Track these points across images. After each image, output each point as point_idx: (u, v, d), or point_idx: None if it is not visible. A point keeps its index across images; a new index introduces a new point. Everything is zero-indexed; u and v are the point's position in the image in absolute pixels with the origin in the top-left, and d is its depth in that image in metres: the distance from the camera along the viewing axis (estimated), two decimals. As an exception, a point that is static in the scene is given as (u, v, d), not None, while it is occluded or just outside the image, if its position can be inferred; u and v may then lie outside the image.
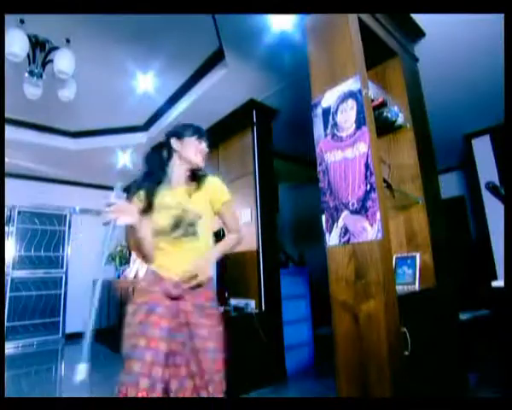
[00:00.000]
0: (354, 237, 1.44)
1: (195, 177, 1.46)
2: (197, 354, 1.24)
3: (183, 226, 1.34)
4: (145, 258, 1.37)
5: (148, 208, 1.34)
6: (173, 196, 1.39)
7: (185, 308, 1.28)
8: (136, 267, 4.85)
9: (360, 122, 1.48)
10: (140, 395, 1.12)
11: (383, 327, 1.29)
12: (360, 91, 1.50)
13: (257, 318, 2.91)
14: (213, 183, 1.47)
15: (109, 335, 4.86)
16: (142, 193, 1.38)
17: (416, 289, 1.73)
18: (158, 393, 1.15)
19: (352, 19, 1.61)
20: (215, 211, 1.45)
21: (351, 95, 1.53)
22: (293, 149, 4.61)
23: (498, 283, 1.95)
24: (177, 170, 1.45)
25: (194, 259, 1.33)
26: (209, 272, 1.38)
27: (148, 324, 1.22)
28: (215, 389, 1.24)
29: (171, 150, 1.46)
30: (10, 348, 4.74)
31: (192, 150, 1.43)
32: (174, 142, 1.44)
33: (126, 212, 1.23)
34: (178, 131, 1.47)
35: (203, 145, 1.47)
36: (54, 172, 5.26)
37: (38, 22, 2.41)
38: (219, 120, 3.67)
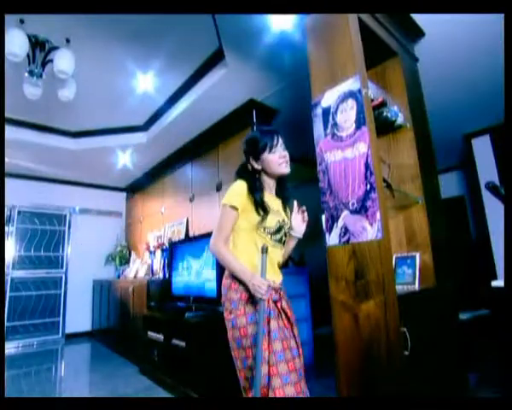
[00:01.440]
0: (354, 236, 1.44)
1: (282, 190, 1.57)
2: (297, 342, 1.39)
3: (281, 232, 1.46)
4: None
5: (261, 212, 1.41)
6: (273, 202, 1.49)
7: (283, 306, 1.42)
8: (136, 267, 4.85)
9: (360, 122, 1.48)
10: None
11: (383, 327, 1.30)
12: (360, 91, 1.50)
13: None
14: (288, 211, 1.56)
15: (109, 335, 4.86)
16: (253, 198, 1.42)
17: (416, 289, 1.73)
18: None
19: (352, 19, 1.61)
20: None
21: (351, 95, 1.53)
22: (293, 149, 4.59)
23: (498, 283, 1.95)
24: (268, 182, 1.52)
25: (279, 263, 1.49)
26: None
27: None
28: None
29: (255, 168, 1.50)
30: (10, 348, 4.74)
31: (274, 165, 1.47)
32: (254, 163, 1.49)
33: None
34: (254, 152, 1.49)
35: (280, 152, 1.48)
36: (54, 172, 5.26)
37: (38, 22, 2.41)
38: (219, 120, 3.67)
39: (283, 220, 1.47)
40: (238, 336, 1.32)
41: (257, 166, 1.48)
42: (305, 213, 1.53)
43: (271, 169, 1.47)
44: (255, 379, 1.21)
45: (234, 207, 1.39)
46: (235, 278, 1.37)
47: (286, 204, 1.55)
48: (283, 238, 1.48)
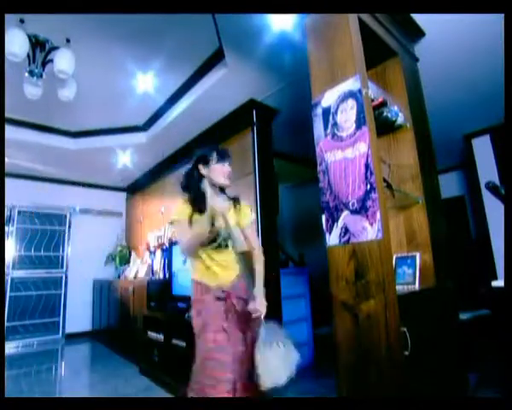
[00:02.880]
0: (354, 236, 1.44)
1: (227, 196, 1.75)
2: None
3: (218, 240, 1.60)
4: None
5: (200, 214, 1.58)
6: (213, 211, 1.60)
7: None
8: (136, 267, 4.85)
9: (360, 122, 1.48)
10: None
11: (383, 327, 1.30)
12: (360, 91, 1.50)
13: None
14: (245, 210, 1.74)
15: (109, 335, 4.86)
16: (194, 205, 1.63)
17: (416, 289, 1.73)
18: None
19: (352, 19, 1.61)
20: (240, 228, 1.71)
21: (351, 94, 1.53)
22: (293, 149, 4.60)
23: (498, 283, 1.95)
24: (209, 189, 1.68)
25: (228, 269, 1.62)
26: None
27: None
28: None
29: (200, 174, 1.68)
30: (10, 348, 4.74)
31: (219, 175, 1.67)
32: (202, 168, 1.67)
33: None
34: (204, 159, 1.68)
35: (227, 167, 1.68)
36: (54, 172, 5.26)
37: (38, 22, 2.41)
38: (219, 120, 3.67)
39: (219, 226, 1.58)
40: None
41: (204, 171, 1.67)
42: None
43: (216, 178, 1.66)
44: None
45: (185, 220, 1.63)
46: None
47: (236, 203, 1.72)
48: (223, 243, 1.61)
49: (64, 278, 5.45)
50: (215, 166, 1.66)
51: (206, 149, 1.72)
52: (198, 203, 1.61)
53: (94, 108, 3.72)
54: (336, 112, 1.58)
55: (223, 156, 1.69)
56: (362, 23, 1.71)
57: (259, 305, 1.56)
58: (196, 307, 1.61)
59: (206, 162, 1.67)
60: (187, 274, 3.08)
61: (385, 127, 1.95)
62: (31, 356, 4.40)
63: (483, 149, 4.11)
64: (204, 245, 1.58)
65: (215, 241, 1.61)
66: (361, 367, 1.36)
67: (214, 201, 1.58)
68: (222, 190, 1.73)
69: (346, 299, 1.43)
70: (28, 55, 2.51)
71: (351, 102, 1.53)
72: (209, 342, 1.49)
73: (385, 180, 1.64)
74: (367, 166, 1.42)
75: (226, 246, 1.63)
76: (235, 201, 1.74)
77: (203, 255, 1.61)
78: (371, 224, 1.38)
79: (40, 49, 2.58)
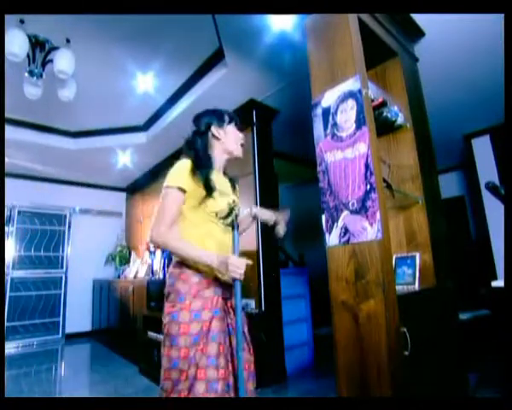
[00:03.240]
0: (354, 236, 1.44)
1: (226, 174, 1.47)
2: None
3: (232, 215, 1.32)
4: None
5: (209, 192, 1.24)
6: (222, 182, 1.37)
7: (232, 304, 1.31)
8: (136, 267, 4.85)
9: (360, 122, 1.48)
10: None
11: (383, 327, 1.29)
12: (360, 91, 1.50)
13: (257, 318, 2.91)
14: (237, 190, 1.50)
15: (109, 335, 4.86)
16: (199, 177, 1.25)
17: (416, 289, 1.73)
18: None
19: (352, 19, 1.61)
20: None
21: (351, 95, 1.53)
22: (293, 149, 4.61)
23: (498, 283, 1.95)
24: (219, 159, 1.39)
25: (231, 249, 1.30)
26: None
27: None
28: None
29: (211, 138, 1.38)
30: (10, 348, 4.74)
31: (233, 140, 1.40)
32: (215, 129, 1.38)
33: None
34: (218, 118, 1.40)
35: (241, 134, 1.45)
36: (54, 172, 5.26)
37: (38, 22, 2.41)
38: (219, 120, 3.67)
39: (233, 202, 1.35)
40: (176, 332, 1.15)
41: (217, 133, 1.37)
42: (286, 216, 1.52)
43: (230, 143, 1.39)
44: (239, 378, 1.14)
45: (180, 189, 1.21)
46: (185, 267, 1.22)
47: (234, 184, 1.46)
48: (234, 221, 1.33)
49: (64, 278, 5.45)
50: (230, 127, 1.40)
51: (217, 110, 1.44)
52: (205, 173, 1.25)
53: (94, 108, 3.72)
54: (336, 112, 1.58)
55: (238, 120, 1.43)
56: (362, 23, 1.71)
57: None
58: (192, 306, 1.18)
59: (221, 122, 1.39)
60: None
61: (385, 127, 1.95)
62: (31, 356, 4.40)
63: (483, 149, 4.11)
64: (216, 218, 1.27)
65: (230, 214, 1.31)
66: (361, 367, 1.36)
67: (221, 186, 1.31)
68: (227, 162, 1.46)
69: (346, 299, 1.43)
70: (28, 56, 2.51)
71: (351, 103, 1.53)
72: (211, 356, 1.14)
73: (385, 180, 1.64)
74: (367, 166, 1.42)
75: (233, 228, 1.32)
76: (232, 181, 1.47)
77: (214, 233, 1.27)
78: (371, 224, 1.38)
79: (40, 49, 2.58)
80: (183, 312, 1.17)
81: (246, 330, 1.31)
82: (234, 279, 1.20)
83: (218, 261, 1.16)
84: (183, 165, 1.27)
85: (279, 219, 1.50)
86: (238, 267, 1.15)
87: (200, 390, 1.10)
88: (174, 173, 1.25)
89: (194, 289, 1.20)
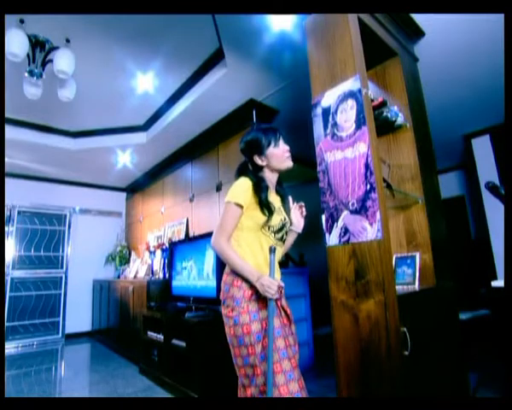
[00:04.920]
0: (354, 236, 1.44)
1: (281, 187, 1.59)
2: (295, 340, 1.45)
3: (283, 231, 1.46)
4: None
5: (269, 215, 1.39)
6: (275, 200, 1.48)
7: (282, 304, 1.43)
8: (136, 267, 4.85)
9: (360, 122, 1.48)
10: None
11: (383, 327, 1.30)
12: (360, 91, 1.50)
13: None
14: (289, 204, 1.57)
15: (109, 335, 4.86)
16: (259, 195, 1.40)
17: (416, 289, 1.73)
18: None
19: (352, 19, 1.61)
20: None
21: (351, 94, 1.53)
22: (293, 149, 4.59)
23: (498, 283, 1.95)
24: (271, 178, 1.51)
25: (278, 261, 1.47)
26: None
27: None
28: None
29: (257, 166, 1.49)
30: (10, 348, 4.74)
31: (277, 161, 1.48)
32: (258, 159, 1.47)
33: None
34: (258, 147, 1.47)
35: (283, 146, 1.50)
36: (54, 172, 5.26)
37: (38, 22, 2.41)
38: (219, 120, 3.67)
39: (285, 218, 1.48)
40: (240, 333, 1.29)
41: (261, 162, 1.47)
42: (304, 208, 1.57)
43: (276, 164, 1.48)
44: (268, 379, 1.21)
45: (238, 205, 1.36)
46: (237, 275, 1.36)
47: (284, 201, 1.55)
48: (284, 236, 1.48)
49: (64, 278, 5.45)
50: (270, 150, 1.47)
51: (253, 133, 1.50)
52: (264, 197, 1.39)
53: (94, 108, 3.72)
54: (336, 112, 1.58)
55: (276, 136, 1.49)
56: (362, 23, 1.71)
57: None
58: (250, 309, 1.32)
59: (260, 150, 1.46)
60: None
61: (385, 127, 1.95)
62: (31, 356, 4.40)
63: (483, 149, 4.11)
64: (269, 232, 1.41)
65: (282, 230, 1.46)
66: (361, 367, 1.36)
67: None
68: (278, 178, 1.57)
69: (346, 299, 1.43)
70: (28, 55, 2.51)
71: (351, 102, 1.53)
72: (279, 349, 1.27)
73: (385, 180, 1.64)
74: (367, 166, 1.42)
75: (284, 241, 1.50)
76: (284, 195, 1.57)
77: (264, 244, 1.40)
78: (371, 224, 1.38)
79: (40, 49, 2.58)
80: (243, 315, 1.31)
81: (293, 329, 1.47)
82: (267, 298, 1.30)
83: (256, 279, 1.31)
84: (244, 183, 1.40)
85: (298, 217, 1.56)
86: (270, 288, 1.27)
87: (280, 382, 1.23)
88: (234, 191, 1.39)
89: (248, 294, 1.34)
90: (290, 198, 1.58)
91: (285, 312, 1.42)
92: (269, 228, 1.41)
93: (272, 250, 1.34)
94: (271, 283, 1.27)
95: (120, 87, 3.29)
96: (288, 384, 1.23)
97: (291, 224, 1.52)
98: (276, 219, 1.43)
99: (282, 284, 1.34)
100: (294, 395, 1.22)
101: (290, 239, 1.57)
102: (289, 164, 1.52)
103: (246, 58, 2.64)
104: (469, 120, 3.88)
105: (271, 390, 1.20)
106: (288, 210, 1.53)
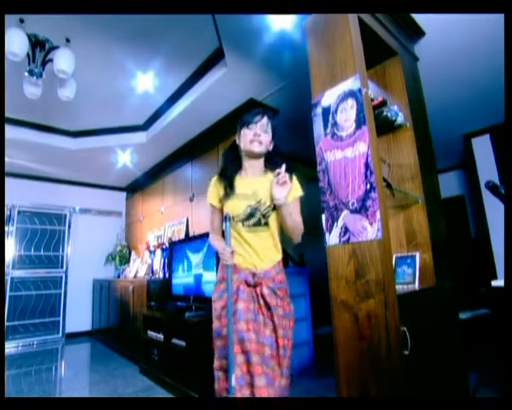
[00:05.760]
0: (354, 236, 1.44)
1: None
2: (276, 331, 1.37)
3: (256, 216, 1.43)
4: None
5: (227, 197, 1.47)
6: (248, 185, 1.48)
7: (261, 292, 1.40)
8: (136, 267, 4.86)
9: (360, 121, 1.48)
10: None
11: (383, 326, 1.30)
12: (360, 91, 1.50)
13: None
14: (294, 181, 1.51)
15: (109, 335, 4.86)
16: (222, 184, 1.51)
17: (416, 289, 1.73)
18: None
19: (352, 19, 1.61)
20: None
21: (351, 94, 1.53)
22: (294, 149, 4.60)
23: (498, 282, 1.95)
24: (246, 161, 1.54)
25: (264, 248, 1.44)
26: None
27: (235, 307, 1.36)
28: (285, 363, 1.36)
29: (236, 145, 1.57)
30: (10, 347, 4.74)
31: (245, 141, 1.49)
32: (237, 138, 1.56)
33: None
34: (238, 127, 1.54)
35: (254, 130, 1.47)
36: (54, 172, 5.26)
37: (38, 22, 2.41)
38: (219, 120, 3.67)
39: (258, 202, 1.43)
40: (212, 307, 1.45)
41: (238, 141, 1.54)
42: (281, 175, 1.37)
43: (243, 144, 1.50)
44: (228, 355, 1.27)
45: (210, 204, 1.55)
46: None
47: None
48: (262, 220, 1.42)
49: (64, 277, 5.45)
50: (243, 130, 1.50)
51: (242, 117, 1.53)
52: (225, 179, 1.49)
53: (94, 108, 3.72)
54: (336, 111, 1.58)
55: (249, 120, 1.48)
56: (362, 22, 1.71)
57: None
58: (219, 288, 1.44)
59: (239, 131, 1.52)
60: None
61: (385, 127, 1.95)
62: (31, 356, 4.40)
63: (483, 148, 4.11)
64: (238, 220, 1.44)
65: (253, 216, 1.43)
66: (361, 367, 1.36)
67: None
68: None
69: (346, 298, 1.43)
70: (28, 55, 2.51)
71: (351, 102, 1.53)
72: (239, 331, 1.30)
73: (385, 180, 1.64)
74: (367, 165, 1.42)
75: (266, 224, 1.43)
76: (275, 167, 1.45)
77: (235, 233, 1.44)
78: (371, 223, 1.38)
79: (40, 48, 2.58)
80: (215, 293, 1.46)
81: (278, 321, 1.38)
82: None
83: (217, 249, 1.45)
84: (210, 183, 1.57)
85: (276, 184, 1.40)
86: (223, 254, 1.38)
87: (239, 361, 1.28)
88: (208, 191, 1.57)
89: (221, 275, 1.46)
90: (280, 171, 1.38)
91: (264, 301, 1.38)
92: (233, 218, 1.44)
93: (227, 219, 1.39)
94: (224, 249, 1.37)
95: (120, 87, 3.29)
96: (248, 366, 1.26)
97: (273, 197, 1.40)
98: (240, 207, 1.43)
99: (231, 249, 1.37)
100: (254, 378, 1.24)
101: (284, 215, 1.41)
102: (252, 148, 1.47)
103: (246, 58, 2.64)
104: (469, 119, 3.88)
105: (232, 368, 1.25)
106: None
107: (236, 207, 1.44)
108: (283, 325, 1.39)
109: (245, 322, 1.31)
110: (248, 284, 1.40)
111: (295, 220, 1.46)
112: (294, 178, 1.52)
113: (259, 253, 1.44)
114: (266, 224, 1.44)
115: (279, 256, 1.49)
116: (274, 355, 1.33)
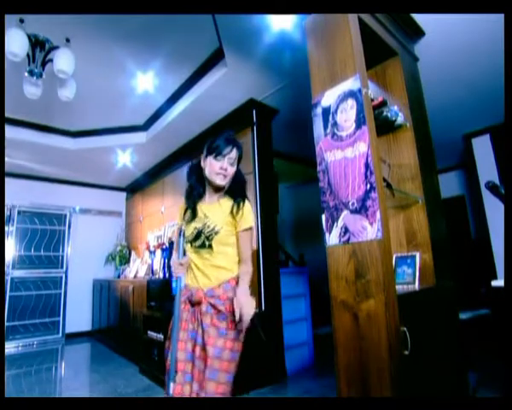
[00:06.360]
0: (354, 236, 1.44)
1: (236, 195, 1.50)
2: (205, 350, 1.35)
3: (201, 238, 1.45)
4: None
5: (188, 220, 1.52)
6: (203, 209, 1.51)
7: (200, 310, 1.41)
8: (136, 267, 4.86)
9: (360, 121, 1.48)
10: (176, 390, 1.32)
11: (383, 326, 1.29)
12: (360, 91, 1.50)
13: (257, 317, 2.91)
14: (245, 211, 1.46)
15: (109, 335, 4.86)
16: (187, 207, 1.56)
17: (416, 289, 1.73)
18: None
19: (352, 19, 1.61)
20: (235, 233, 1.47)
21: (351, 94, 1.53)
22: (293, 149, 4.61)
23: (498, 282, 1.95)
24: (207, 186, 1.54)
25: (211, 268, 1.45)
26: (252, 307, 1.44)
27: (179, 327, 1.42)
28: (213, 388, 1.30)
29: (201, 167, 1.53)
30: (10, 347, 4.74)
31: (209, 171, 1.47)
32: (203, 161, 1.51)
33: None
34: (205, 150, 1.50)
35: (221, 163, 1.43)
36: (54, 172, 5.26)
37: (38, 22, 2.41)
38: (219, 120, 3.67)
39: (204, 224, 1.45)
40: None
41: (203, 164, 1.51)
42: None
43: (207, 173, 1.47)
44: (172, 354, 1.36)
45: (178, 224, 1.60)
46: None
47: (238, 206, 1.45)
48: (206, 242, 1.43)
49: (64, 277, 5.46)
50: (208, 159, 1.45)
51: (211, 141, 1.48)
52: (190, 204, 1.52)
53: (94, 108, 3.72)
54: (336, 111, 1.58)
55: (219, 151, 1.42)
56: (362, 23, 1.71)
57: (242, 305, 1.34)
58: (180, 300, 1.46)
59: (206, 155, 1.48)
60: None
61: (385, 127, 1.95)
62: (31, 356, 4.40)
63: (483, 148, 4.11)
64: (187, 241, 1.49)
65: (199, 237, 1.45)
66: (361, 367, 1.36)
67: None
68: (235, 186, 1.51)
69: (346, 298, 1.43)
70: (28, 55, 2.51)
71: (351, 102, 1.52)
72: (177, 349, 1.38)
73: (385, 180, 1.64)
74: (367, 165, 1.42)
75: (210, 247, 1.43)
76: (238, 200, 1.46)
77: (187, 253, 1.50)
78: (371, 223, 1.38)
79: (40, 48, 2.58)
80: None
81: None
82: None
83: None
84: (180, 206, 1.62)
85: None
86: (172, 266, 1.47)
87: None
88: (179, 208, 1.62)
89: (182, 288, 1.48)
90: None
91: (201, 318, 1.38)
92: (186, 238, 1.50)
93: (181, 234, 1.48)
94: (173, 261, 1.48)
95: (120, 87, 3.29)
96: (183, 363, 1.36)
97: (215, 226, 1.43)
98: (189, 229, 1.49)
99: (181, 262, 1.44)
100: (185, 376, 1.34)
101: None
102: (217, 181, 1.45)
103: (246, 58, 2.64)
104: (469, 119, 3.88)
105: (173, 364, 1.34)
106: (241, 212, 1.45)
107: (188, 228, 1.50)
108: (217, 344, 1.33)
109: (180, 341, 1.38)
110: (192, 303, 1.43)
111: (248, 272, 1.47)
112: (247, 205, 1.47)
113: (206, 273, 1.44)
114: (210, 246, 1.43)
115: (229, 275, 1.44)
116: (199, 373, 1.33)
